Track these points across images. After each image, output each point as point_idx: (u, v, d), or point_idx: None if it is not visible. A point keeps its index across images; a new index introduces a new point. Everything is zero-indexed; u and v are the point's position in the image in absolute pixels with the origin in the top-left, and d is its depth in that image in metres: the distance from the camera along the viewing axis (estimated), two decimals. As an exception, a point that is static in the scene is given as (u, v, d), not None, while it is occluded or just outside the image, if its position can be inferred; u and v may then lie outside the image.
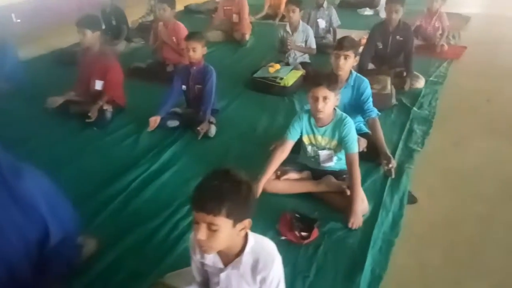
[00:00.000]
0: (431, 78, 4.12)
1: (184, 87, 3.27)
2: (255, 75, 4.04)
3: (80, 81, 3.50)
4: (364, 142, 2.71)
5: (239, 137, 3.14)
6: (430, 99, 3.66)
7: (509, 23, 6.53)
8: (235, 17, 5.68)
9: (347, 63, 2.66)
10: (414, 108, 3.47)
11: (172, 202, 2.37)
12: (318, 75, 2.22)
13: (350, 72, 2.79)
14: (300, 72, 4.04)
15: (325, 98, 2.16)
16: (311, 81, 2.22)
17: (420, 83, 3.87)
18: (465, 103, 3.65)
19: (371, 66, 4.08)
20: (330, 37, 5.13)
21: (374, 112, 2.74)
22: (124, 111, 3.52)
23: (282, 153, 2.37)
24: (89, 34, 3.26)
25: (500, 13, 7.02)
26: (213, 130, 3.11)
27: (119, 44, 5.37)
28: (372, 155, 2.67)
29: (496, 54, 4.97)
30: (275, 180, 2.37)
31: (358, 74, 2.80)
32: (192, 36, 3.12)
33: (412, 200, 2.36)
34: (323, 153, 2.37)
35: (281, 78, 3.89)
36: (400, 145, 2.93)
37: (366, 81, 2.77)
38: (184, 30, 4.25)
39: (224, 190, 1.22)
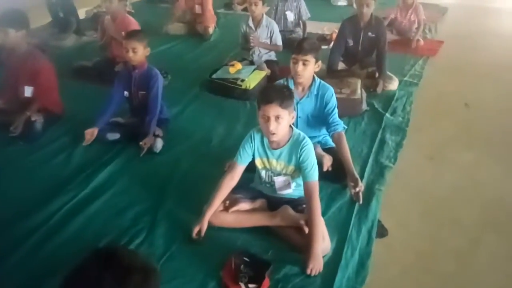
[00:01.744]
0: (405, 78, 3.80)
1: (126, 93, 2.84)
2: (213, 76, 3.62)
3: (6, 87, 3.01)
4: (329, 160, 2.36)
5: (191, 151, 2.74)
6: (404, 103, 3.34)
7: (487, 14, 6.30)
8: (197, 8, 5.21)
9: (307, 69, 2.29)
10: (387, 115, 3.14)
11: (98, 241, 1.96)
12: (268, 89, 1.84)
13: (313, 79, 2.42)
14: (264, 73, 3.65)
15: (277, 117, 1.79)
16: (259, 96, 1.84)
17: (394, 84, 3.54)
18: (442, 107, 3.35)
19: (341, 65, 3.73)
20: (299, 31, 4.75)
21: (340, 126, 2.39)
22: (60, 120, 3.06)
23: (231, 180, 2.00)
24: (12, 34, 2.76)
25: (478, 3, 6.76)
26: (159, 144, 2.70)
27: (68, 39, 4.84)
28: (338, 176, 2.33)
29: (474, 49, 4.70)
30: (223, 212, 2.00)
31: (322, 82, 2.44)
32: (131, 35, 2.68)
33: (382, 232, 2.03)
34: (278, 180, 2.01)
35: (242, 80, 3.49)
36: (371, 160, 2.60)
37: (330, 90, 2.41)
38: (134, 25, 3.78)
39: (106, 284, 0.84)
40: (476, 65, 4.22)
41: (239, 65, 3.66)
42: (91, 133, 2.72)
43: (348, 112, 3.10)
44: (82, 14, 5.46)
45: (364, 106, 3.16)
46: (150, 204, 2.23)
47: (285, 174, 2.00)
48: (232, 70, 3.60)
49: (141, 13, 5.88)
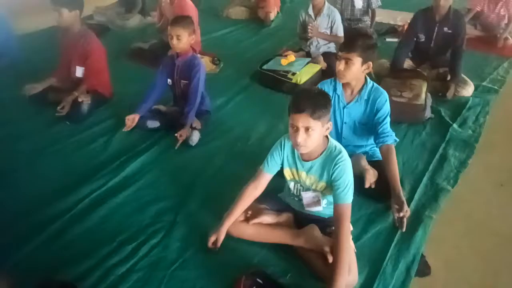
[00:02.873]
0: (484, 83, 3.29)
1: (169, 81, 2.76)
2: (264, 67, 3.42)
3: (61, 67, 3.08)
4: (373, 175, 2.08)
5: (227, 148, 2.60)
6: (477, 113, 2.88)
7: None
8: (260, -8, 5.01)
9: (350, 70, 2.00)
10: (454, 125, 2.72)
11: (116, 236, 1.91)
12: (301, 95, 1.61)
13: (365, 81, 2.12)
14: (318, 67, 3.37)
15: (307, 129, 1.56)
16: (291, 101, 1.62)
17: (468, 90, 3.07)
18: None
19: (408, 63, 3.32)
20: (367, 20, 4.33)
21: (391, 138, 2.08)
22: (108, 103, 3.08)
23: (255, 190, 1.82)
24: (65, 14, 2.79)
25: None
26: (195, 137, 2.59)
27: (132, 18, 4.91)
28: (382, 194, 2.05)
29: None
30: (244, 222, 1.83)
31: (376, 86, 2.13)
32: (177, 21, 2.56)
33: (424, 270, 1.73)
34: (307, 196, 1.79)
35: (294, 74, 3.25)
36: (425, 179, 2.25)
37: (384, 95, 2.10)
38: (191, 7, 3.71)
39: None
40: None
41: (292, 57, 3.42)
42: (132, 120, 2.69)
43: (407, 118, 2.75)
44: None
45: (428, 114, 2.76)
46: (174, 201, 2.13)
47: (314, 190, 1.77)
48: (284, 62, 3.37)
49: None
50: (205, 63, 3.75)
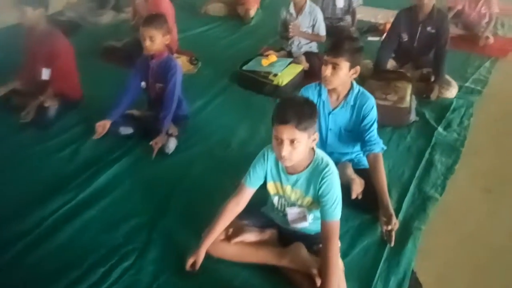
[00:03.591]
0: (467, 84, 3.25)
1: (143, 84, 2.59)
2: (244, 67, 3.28)
3: (25, 69, 2.86)
4: (360, 185, 1.98)
5: (206, 155, 2.46)
6: (462, 115, 2.83)
7: None
8: (239, -12, 4.84)
9: (337, 75, 1.89)
10: (439, 129, 2.66)
11: (85, 258, 1.75)
12: (285, 104, 1.48)
13: (351, 86, 2.02)
14: (300, 67, 3.26)
15: (292, 141, 1.44)
16: (274, 111, 1.49)
17: (452, 91, 3.02)
18: (508, 125, 2.80)
19: (391, 63, 3.24)
20: (349, 18, 4.25)
21: (378, 146, 1.99)
22: (78, 107, 2.88)
23: (237, 206, 1.69)
24: (29, 12, 2.58)
25: None
26: (171, 144, 2.43)
27: (105, 15, 4.67)
28: (369, 205, 1.95)
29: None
30: (225, 242, 1.70)
31: (362, 90, 2.03)
32: (149, 21, 2.39)
33: (415, 287, 1.65)
34: (292, 212, 1.67)
35: (275, 75, 3.13)
36: (412, 187, 2.18)
37: (371, 101, 2.00)
38: (167, 4, 3.53)
39: None
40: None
41: (273, 57, 3.29)
42: (102, 126, 2.50)
43: (392, 122, 2.67)
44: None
45: (413, 117, 2.69)
46: (149, 217, 1.98)
47: (300, 205, 1.65)
48: (265, 62, 3.24)
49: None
50: (182, 63, 3.59)
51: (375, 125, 2.01)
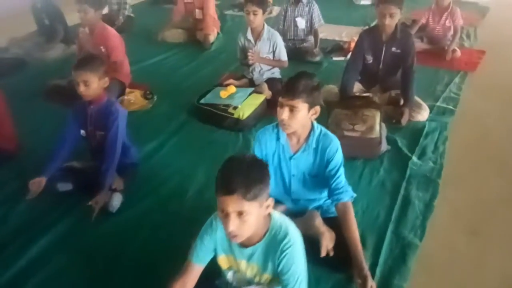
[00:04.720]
0: (438, 103, 3.08)
1: (83, 132, 2.29)
2: (201, 101, 3.03)
3: None
4: (330, 240, 1.73)
5: (159, 208, 2.16)
6: (436, 140, 2.64)
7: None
8: (197, 13, 4.63)
9: (295, 118, 1.65)
10: (414, 158, 2.45)
11: None
12: (229, 168, 1.22)
13: (312, 127, 1.78)
14: (262, 97, 3.02)
15: (240, 213, 1.18)
16: (217, 177, 1.22)
17: (423, 115, 2.84)
18: (485, 147, 2.62)
19: (357, 87, 3.06)
20: (312, 39, 4.08)
21: (347, 194, 1.75)
22: (13, 160, 2.54)
23: (184, 287, 1.40)
24: None
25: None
26: (116, 201, 2.13)
27: (54, 49, 4.35)
28: (342, 262, 1.70)
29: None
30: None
31: (325, 131, 1.79)
32: (82, 64, 2.11)
33: None
34: (249, 291, 1.40)
35: (235, 107, 2.88)
36: (389, 232, 1.94)
37: (334, 143, 1.76)
38: (114, 37, 3.26)
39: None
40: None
41: (233, 88, 3.05)
42: (37, 184, 2.17)
43: (362, 154, 2.46)
44: (73, 19, 4.94)
45: (384, 147, 2.48)
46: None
47: (258, 283, 1.38)
48: (223, 94, 3.00)
49: (143, 16, 5.37)
50: (136, 99, 3.32)
51: (342, 170, 1.77)
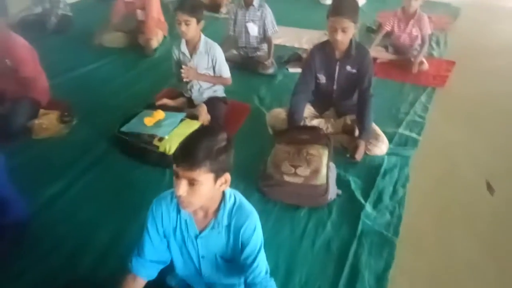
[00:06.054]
0: (400, 130, 2.68)
1: None
2: (123, 129, 2.52)
3: None
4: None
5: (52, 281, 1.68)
6: (395, 182, 2.23)
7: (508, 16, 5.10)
8: (139, 14, 4.09)
9: (198, 195, 1.18)
10: (367, 207, 2.04)
11: None
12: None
13: (222, 197, 1.33)
14: (196, 125, 2.53)
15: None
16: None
17: (381, 148, 2.42)
18: (452, 189, 2.22)
19: (309, 110, 2.62)
20: (265, 47, 3.61)
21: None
22: None
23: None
24: None
25: (500, 3, 5.55)
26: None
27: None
28: None
29: (496, 73, 3.55)
30: None
31: (239, 203, 1.33)
32: None
33: None
34: None
35: (160, 139, 2.39)
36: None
37: (251, 221, 1.31)
38: (23, 48, 2.73)
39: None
40: (500, 102, 3.08)
41: (160, 114, 2.55)
42: None
43: (306, 202, 2.03)
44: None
45: (332, 195, 2.05)
46: None
47: None
48: (148, 121, 2.49)
49: (85, 15, 4.76)
50: (49, 123, 2.77)
51: (261, 257, 1.32)
